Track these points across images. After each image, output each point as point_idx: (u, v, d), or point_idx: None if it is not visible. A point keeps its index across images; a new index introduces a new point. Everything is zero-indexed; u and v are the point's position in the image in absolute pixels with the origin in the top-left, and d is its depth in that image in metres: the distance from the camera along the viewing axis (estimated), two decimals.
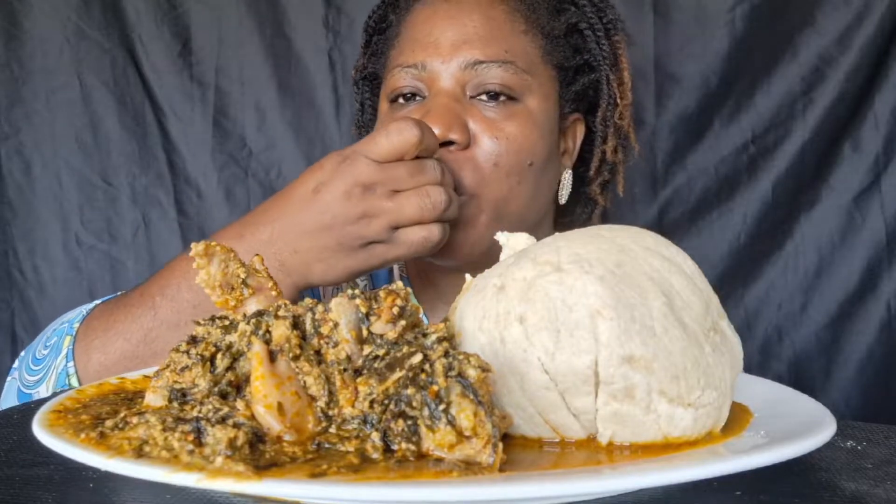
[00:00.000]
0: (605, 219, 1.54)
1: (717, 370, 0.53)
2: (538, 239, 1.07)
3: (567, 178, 1.10)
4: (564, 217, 1.18)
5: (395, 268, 1.19)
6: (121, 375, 0.70)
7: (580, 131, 1.13)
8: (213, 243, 0.64)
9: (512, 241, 0.64)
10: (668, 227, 1.55)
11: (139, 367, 0.87)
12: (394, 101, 1.03)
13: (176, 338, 0.85)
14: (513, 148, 0.98)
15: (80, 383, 0.90)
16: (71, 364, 0.91)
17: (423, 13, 1.04)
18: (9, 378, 0.98)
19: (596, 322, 0.50)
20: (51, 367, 0.92)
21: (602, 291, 0.51)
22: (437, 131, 0.92)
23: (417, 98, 1.01)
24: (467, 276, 0.62)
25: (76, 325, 0.94)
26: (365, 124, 1.20)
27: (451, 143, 0.96)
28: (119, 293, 1.00)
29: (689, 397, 0.51)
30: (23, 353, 0.98)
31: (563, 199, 1.10)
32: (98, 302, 0.99)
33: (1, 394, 0.99)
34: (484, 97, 0.98)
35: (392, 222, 0.85)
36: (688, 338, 0.52)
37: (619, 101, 1.09)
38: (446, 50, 0.99)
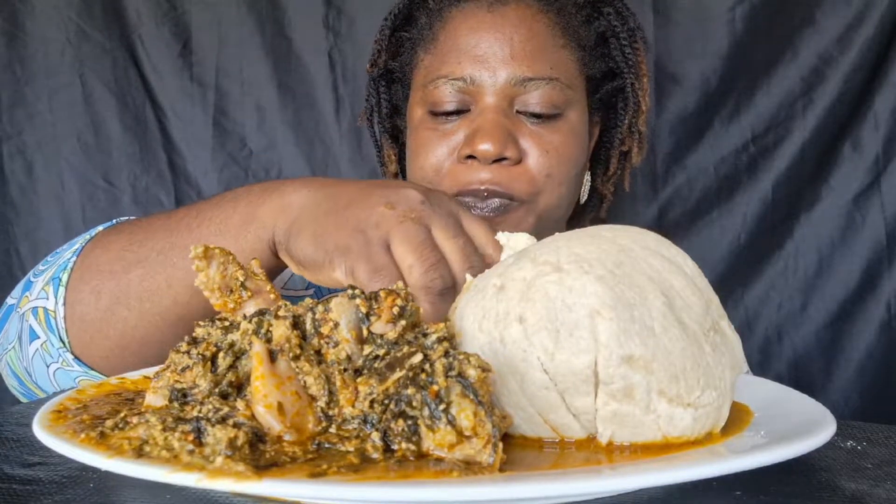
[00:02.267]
0: (606, 219, 1.54)
1: (716, 370, 0.53)
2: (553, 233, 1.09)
3: (587, 178, 1.14)
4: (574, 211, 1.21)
5: None
6: (121, 376, 0.70)
7: (596, 133, 1.16)
8: (212, 246, 0.64)
9: (512, 241, 0.64)
10: (668, 227, 1.55)
11: (148, 275, 0.83)
12: (436, 113, 1.03)
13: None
14: (563, 160, 1.01)
15: (70, 272, 0.87)
16: (74, 259, 0.88)
17: (465, 22, 1.04)
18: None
19: (595, 322, 0.50)
20: (56, 262, 0.90)
21: (601, 291, 0.51)
22: (491, 148, 0.96)
23: (461, 112, 1.02)
24: (468, 276, 0.62)
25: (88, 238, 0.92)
26: (382, 120, 1.20)
27: (503, 158, 0.98)
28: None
29: (688, 397, 0.51)
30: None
31: (583, 199, 1.14)
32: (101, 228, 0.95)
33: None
34: (530, 113, 1.01)
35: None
36: (687, 338, 0.52)
37: (643, 107, 1.12)
38: (495, 65, 1.00)
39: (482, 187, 0.98)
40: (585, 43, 1.08)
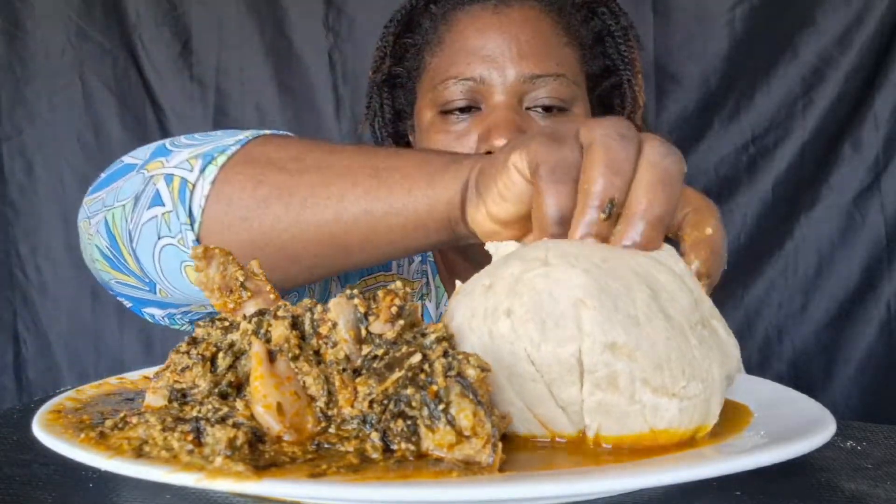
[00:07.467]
0: None
1: (703, 363, 0.53)
2: None
3: None
4: None
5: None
6: (120, 376, 0.70)
7: None
8: (211, 246, 0.64)
9: (501, 249, 0.64)
10: None
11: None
12: (446, 112, 1.06)
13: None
14: None
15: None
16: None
17: (472, 24, 1.07)
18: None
19: (579, 311, 0.50)
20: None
21: (586, 282, 0.51)
22: (503, 142, 0.96)
23: (472, 110, 1.05)
24: (458, 282, 0.62)
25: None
26: (385, 125, 1.21)
27: None
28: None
29: (673, 387, 0.51)
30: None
31: None
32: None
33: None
34: (539, 109, 1.03)
35: None
36: (672, 329, 0.52)
37: (640, 102, 1.14)
38: (503, 64, 1.03)
39: None
40: (585, 41, 1.11)
